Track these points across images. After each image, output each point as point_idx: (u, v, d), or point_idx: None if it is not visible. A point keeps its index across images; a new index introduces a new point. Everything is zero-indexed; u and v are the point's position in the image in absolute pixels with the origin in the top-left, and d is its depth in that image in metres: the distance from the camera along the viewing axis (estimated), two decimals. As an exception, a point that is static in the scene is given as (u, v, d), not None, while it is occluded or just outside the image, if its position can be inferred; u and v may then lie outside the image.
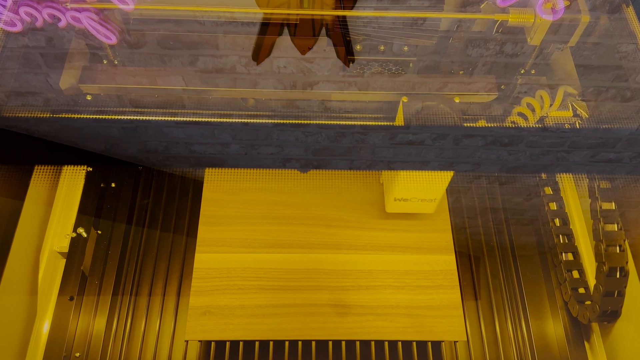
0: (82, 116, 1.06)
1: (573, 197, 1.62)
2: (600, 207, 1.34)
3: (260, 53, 1.29)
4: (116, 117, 1.06)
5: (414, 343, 1.35)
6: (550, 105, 1.18)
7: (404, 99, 1.13)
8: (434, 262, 1.40)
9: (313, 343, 1.33)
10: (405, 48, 1.31)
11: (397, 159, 1.17)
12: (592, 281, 1.46)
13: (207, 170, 1.44)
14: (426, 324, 1.33)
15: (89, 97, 1.14)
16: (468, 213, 1.62)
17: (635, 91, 1.20)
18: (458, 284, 1.38)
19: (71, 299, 1.42)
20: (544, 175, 1.58)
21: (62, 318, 1.40)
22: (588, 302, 1.41)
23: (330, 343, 1.33)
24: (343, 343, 1.34)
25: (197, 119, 1.05)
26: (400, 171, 1.24)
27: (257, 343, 1.32)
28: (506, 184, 1.64)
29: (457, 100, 1.21)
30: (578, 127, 1.12)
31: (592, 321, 1.39)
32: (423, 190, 1.30)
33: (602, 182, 1.32)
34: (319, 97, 1.34)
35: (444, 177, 1.24)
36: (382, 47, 1.31)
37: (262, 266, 1.37)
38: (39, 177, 1.24)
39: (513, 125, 1.11)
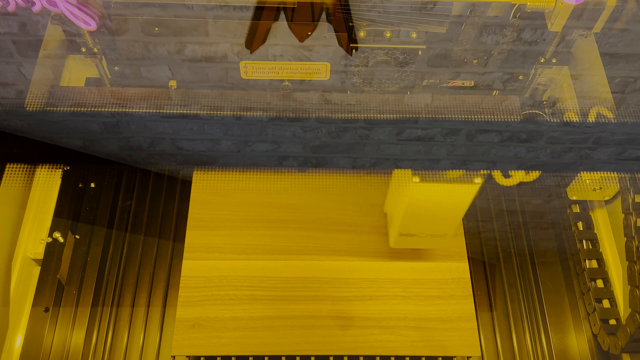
0: (58, 109, 1.06)
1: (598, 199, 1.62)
2: (635, 223, 1.31)
3: (254, 40, 1.29)
4: (96, 109, 1.06)
5: (423, 359, 1.35)
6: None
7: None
8: (445, 269, 1.40)
9: (312, 359, 1.33)
10: (414, 35, 1.32)
11: (405, 156, 1.17)
12: (618, 291, 1.46)
13: (195, 169, 1.44)
14: (436, 337, 1.32)
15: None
16: (482, 216, 1.62)
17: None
18: (471, 293, 1.37)
19: (46, 310, 1.42)
20: (565, 175, 1.58)
21: (36, 331, 1.39)
22: (613, 322, 1.39)
23: (332, 359, 1.33)
24: (345, 359, 1.34)
25: (184, 112, 1.06)
26: (406, 202, 1.19)
27: (250, 359, 1.32)
28: (524, 184, 1.64)
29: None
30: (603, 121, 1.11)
31: (620, 350, 1.35)
32: (433, 224, 1.27)
33: (638, 195, 1.29)
34: (319, 88, 1.34)
35: (459, 207, 1.20)
36: (388, 34, 1.31)
37: (256, 274, 1.37)
38: (11, 177, 1.24)
39: (532, 119, 1.11)
